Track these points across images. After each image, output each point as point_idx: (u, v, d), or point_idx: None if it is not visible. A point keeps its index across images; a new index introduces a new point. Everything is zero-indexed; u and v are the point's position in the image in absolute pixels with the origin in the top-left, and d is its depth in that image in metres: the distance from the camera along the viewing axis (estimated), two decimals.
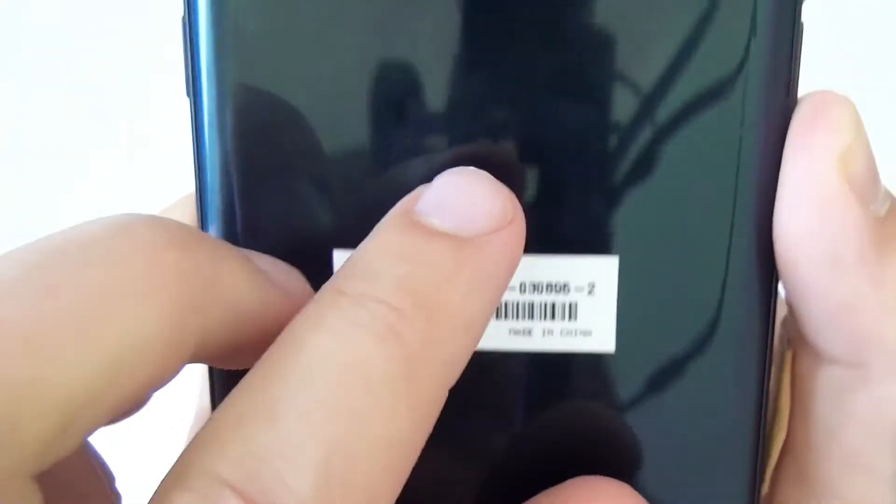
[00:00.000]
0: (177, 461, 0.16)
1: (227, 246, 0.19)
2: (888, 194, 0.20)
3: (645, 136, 0.20)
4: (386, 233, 0.19)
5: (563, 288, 0.21)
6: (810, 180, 0.20)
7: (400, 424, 0.17)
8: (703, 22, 0.19)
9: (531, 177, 0.20)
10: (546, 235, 0.21)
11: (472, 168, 0.20)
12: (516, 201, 0.19)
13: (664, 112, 0.20)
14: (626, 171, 0.20)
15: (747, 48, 0.19)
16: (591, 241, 0.21)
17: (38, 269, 0.16)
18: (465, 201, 0.19)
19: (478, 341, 0.19)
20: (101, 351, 0.16)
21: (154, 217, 0.18)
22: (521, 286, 0.21)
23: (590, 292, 0.21)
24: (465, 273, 0.18)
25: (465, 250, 0.18)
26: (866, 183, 0.20)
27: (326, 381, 0.17)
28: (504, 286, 0.19)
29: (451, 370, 0.18)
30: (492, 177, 0.19)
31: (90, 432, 0.16)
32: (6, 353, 0.15)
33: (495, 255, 0.19)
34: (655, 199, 0.20)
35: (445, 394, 0.18)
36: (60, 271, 0.16)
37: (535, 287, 0.21)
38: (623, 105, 0.20)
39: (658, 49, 0.20)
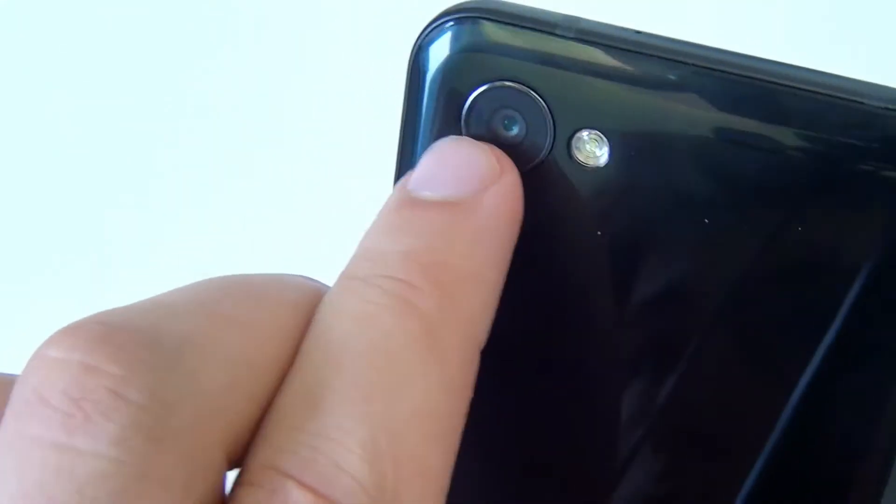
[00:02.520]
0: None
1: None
2: None
3: None
4: (385, 214, 0.19)
5: None
6: None
7: (434, 391, 0.17)
8: None
9: None
10: None
11: (452, 136, 0.20)
12: (505, 156, 0.20)
13: None
14: None
15: None
16: None
17: (246, 283, 0.18)
18: (450, 168, 0.19)
19: (495, 294, 0.19)
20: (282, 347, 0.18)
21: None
22: None
23: None
24: (462, 232, 0.19)
25: (458, 212, 0.19)
26: None
27: (354, 362, 0.17)
28: (508, 236, 0.19)
29: (473, 328, 0.19)
30: (473, 140, 0.20)
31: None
32: (224, 337, 0.17)
33: (490, 209, 0.19)
34: None
35: (476, 354, 0.18)
36: (266, 287, 0.18)
37: None
38: None
39: None
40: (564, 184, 0.20)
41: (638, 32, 0.19)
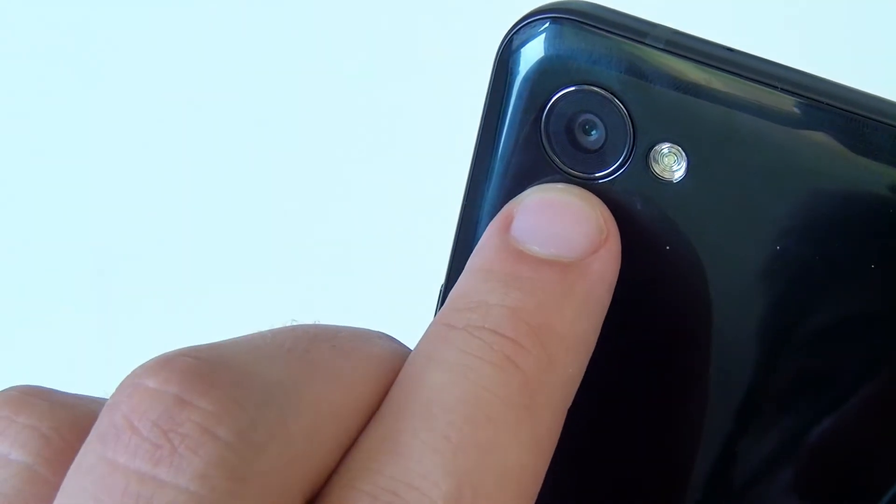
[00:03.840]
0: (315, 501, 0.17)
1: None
2: None
3: None
4: (486, 260, 0.19)
5: None
6: None
7: (524, 451, 0.17)
8: None
9: None
10: None
11: (560, 185, 0.20)
12: (609, 215, 0.19)
13: None
14: None
15: None
16: None
17: (333, 335, 0.18)
18: (561, 225, 0.19)
19: (588, 359, 0.19)
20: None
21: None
22: None
23: None
24: (573, 297, 0.18)
25: (570, 275, 0.18)
26: None
27: (446, 414, 0.17)
28: (607, 303, 0.19)
29: (567, 392, 0.18)
30: (581, 191, 0.19)
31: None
32: (311, 384, 0.17)
33: (598, 275, 0.19)
34: None
35: (564, 414, 0.18)
36: (351, 340, 0.18)
37: None
38: None
39: None
40: (638, 194, 0.20)
41: (730, 50, 0.19)
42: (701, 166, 0.19)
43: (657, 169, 0.20)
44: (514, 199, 0.20)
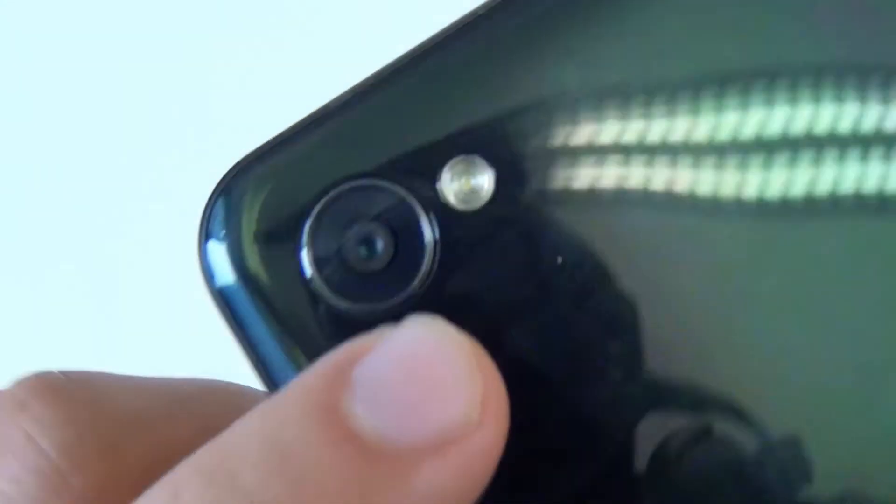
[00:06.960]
0: None
1: None
2: None
3: None
4: (284, 410, 0.13)
5: None
6: None
7: None
8: None
9: None
10: None
11: (444, 328, 0.13)
12: (500, 395, 0.13)
13: None
14: None
15: None
16: None
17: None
18: (417, 389, 0.12)
19: None
20: None
21: None
22: None
23: None
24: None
25: (376, 475, 0.12)
26: None
27: None
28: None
29: None
30: (476, 349, 0.13)
31: None
32: (171, 427, 0.17)
33: (431, 486, 0.12)
34: None
35: None
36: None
37: None
38: None
39: None
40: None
41: None
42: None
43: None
44: (355, 345, 0.13)
